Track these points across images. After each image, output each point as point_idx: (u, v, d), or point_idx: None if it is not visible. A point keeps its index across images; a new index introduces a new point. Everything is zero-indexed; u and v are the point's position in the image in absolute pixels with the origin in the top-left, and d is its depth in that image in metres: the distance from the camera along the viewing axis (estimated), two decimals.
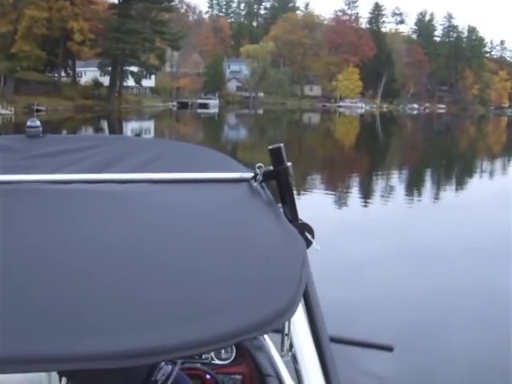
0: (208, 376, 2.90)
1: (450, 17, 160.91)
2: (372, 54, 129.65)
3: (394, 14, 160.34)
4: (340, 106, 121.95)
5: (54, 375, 2.89)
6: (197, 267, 1.49)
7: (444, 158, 39.11)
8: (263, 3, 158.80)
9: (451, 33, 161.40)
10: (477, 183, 27.15)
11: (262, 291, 1.43)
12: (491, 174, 31.66)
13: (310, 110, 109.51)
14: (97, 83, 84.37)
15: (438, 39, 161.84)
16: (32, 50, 66.15)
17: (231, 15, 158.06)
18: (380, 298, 9.93)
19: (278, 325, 1.40)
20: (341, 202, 20.34)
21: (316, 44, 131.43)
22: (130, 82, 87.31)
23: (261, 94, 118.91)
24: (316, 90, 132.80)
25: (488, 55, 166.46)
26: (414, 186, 25.60)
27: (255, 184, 2.04)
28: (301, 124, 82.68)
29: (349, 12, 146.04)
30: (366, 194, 22.55)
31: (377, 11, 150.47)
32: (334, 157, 38.16)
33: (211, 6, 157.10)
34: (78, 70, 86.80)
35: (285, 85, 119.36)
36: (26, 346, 1.15)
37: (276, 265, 1.55)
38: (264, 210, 1.91)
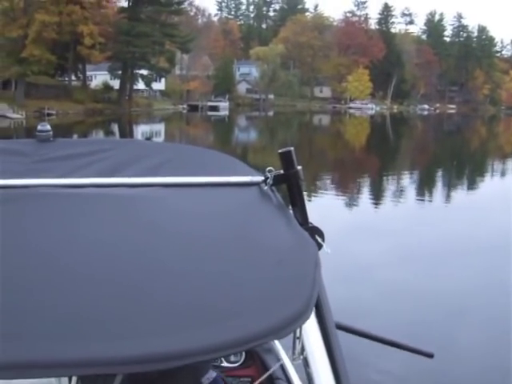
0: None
1: (459, 17, 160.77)
2: (382, 54, 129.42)
3: (404, 14, 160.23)
4: (350, 108, 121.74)
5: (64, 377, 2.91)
6: (210, 271, 1.49)
7: (455, 159, 38.99)
8: (272, 5, 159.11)
9: (461, 33, 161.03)
10: (488, 183, 27.07)
11: (277, 295, 1.42)
12: (503, 174, 31.58)
13: (320, 112, 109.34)
14: (107, 87, 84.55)
15: (447, 39, 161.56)
16: (42, 55, 66.39)
17: (240, 17, 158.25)
18: (391, 298, 9.93)
19: (294, 328, 1.40)
20: (351, 202, 20.31)
21: (325, 45, 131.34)
22: (140, 85, 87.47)
23: (271, 96, 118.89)
24: (326, 92, 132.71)
25: (498, 55, 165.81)
26: (425, 187, 25.55)
27: (265, 188, 2.03)
28: (311, 126, 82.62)
29: (358, 13, 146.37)
30: (377, 195, 22.52)
31: (386, 12, 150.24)
32: (345, 158, 38.11)
33: (220, 9, 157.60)
34: (88, 73, 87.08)
35: (295, 87, 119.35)
36: (41, 351, 1.14)
37: (289, 268, 1.54)
38: (275, 213, 1.91)
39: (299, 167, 2.00)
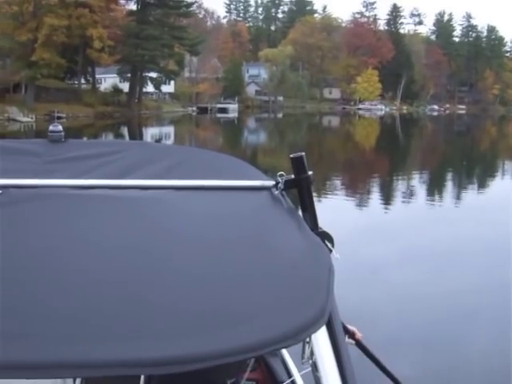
0: None
1: (468, 17, 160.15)
2: (391, 55, 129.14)
3: (413, 15, 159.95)
4: (360, 109, 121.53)
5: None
6: (222, 275, 1.48)
7: (464, 159, 38.87)
8: (281, 7, 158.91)
9: (470, 33, 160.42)
10: (499, 184, 26.94)
11: (291, 301, 1.42)
12: None
13: (330, 113, 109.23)
14: (116, 89, 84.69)
15: (457, 39, 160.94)
16: (52, 58, 66.59)
17: (249, 19, 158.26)
18: (400, 300, 9.90)
19: (311, 333, 1.40)
20: (362, 204, 20.28)
21: (334, 47, 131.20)
22: (150, 87, 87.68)
23: (280, 98, 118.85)
24: (335, 93, 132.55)
25: (508, 54, 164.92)
26: (435, 188, 25.46)
27: (276, 192, 2.03)
28: (321, 127, 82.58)
29: (367, 14, 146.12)
30: (387, 196, 22.48)
31: (395, 12, 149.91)
32: (355, 160, 38.06)
33: (229, 11, 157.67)
34: (97, 76, 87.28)
35: (304, 88, 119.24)
36: (49, 352, 1.15)
37: (303, 274, 1.55)
38: (285, 218, 1.90)
39: (310, 172, 1.98)
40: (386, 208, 19.62)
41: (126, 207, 1.88)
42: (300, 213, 2.01)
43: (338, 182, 25.86)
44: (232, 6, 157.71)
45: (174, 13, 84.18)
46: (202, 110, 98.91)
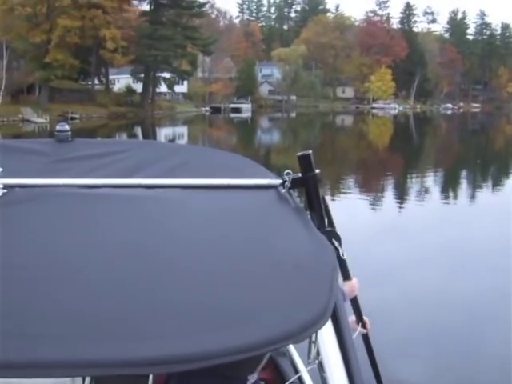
0: None
1: (482, 14, 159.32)
2: (404, 54, 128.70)
3: (426, 13, 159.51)
4: (373, 108, 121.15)
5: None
6: (228, 274, 1.49)
7: (479, 158, 38.69)
8: (293, 6, 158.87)
9: (484, 30, 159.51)
10: None
11: (294, 299, 1.42)
12: None
13: (343, 112, 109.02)
14: (130, 90, 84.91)
15: (470, 37, 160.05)
16: (65, 59, 66.91)
17: (262, 19, 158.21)
18: (412, 298, 9.88)
19: (313, 332, 1.41)
20: (375, 203, 20.23)
21: (347, 46, 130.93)
22: (163, 88, 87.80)
23: (293, 97, 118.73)
24: (348, 92, 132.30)
25: None
26: (448, 187, 25.39)
27: (283, 191, 2.01)
28: (334, 126, 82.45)
29: (380, 12, 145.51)
30: (400, 195, 22.43)
31: (408, 11, 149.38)
32: (369, 158, 37.95)
33: (242, 11, 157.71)
34: (110, 77, 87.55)
35: (317, 87, 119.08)
36: (56, 352, 1.15)
37: (307, 273, 1.54)
38: (292, 216, 1.88)
39: (317, 170, 1.97)
40: (399, 207, 19.57)
41: (132, 206, 1.88)
42: (308, 211, 2.00)
43: (351, 181, 25.83)
44: (244, 5, 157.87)
45: (187, 13, 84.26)
46: (216, 110, 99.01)
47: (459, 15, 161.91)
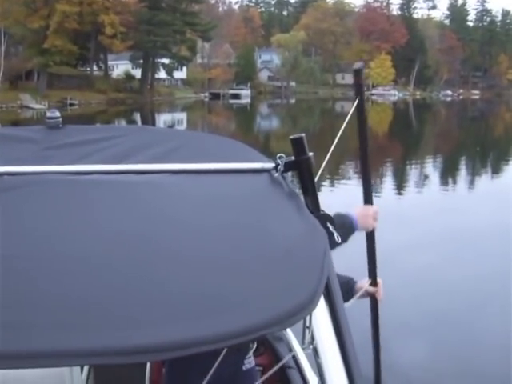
0: None
1: (483, 1, 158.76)
2: (404, 40, 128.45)
3: None
4: (373, 94, 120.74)
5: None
6: (217, 259, 1.48)
7: (478, 145, 38.69)
8: None
9: (484, 17, 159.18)
10: None
11: (283, 284, 1.41)
12: None
13: (343, 99, 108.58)
14: (129, 76, 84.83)
15: (471, 24, 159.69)
16: (64, 45, 66.79)
17: (261, 5, 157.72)
18: (413, 285, 9.89)
19: (300, 319, 1.38)
20: (374, 190, 20.22)
21: (347, 32, 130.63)
22: (162, 74, 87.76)
23: (292, 84, 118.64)
24: (348, 79, 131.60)
25: None
26: (448, 174, 25.40)
27: (276, 174, 1.98)
28: (333, 113, 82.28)
29: None
30: (400, 182, 22.44)
31: None
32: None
33: None
34: (109, 63, 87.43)
35: (316, 74, 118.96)
36: (53, 341, 1.14)
37: (297, 257, 1.53)
38: (285, 200, 1.87)
39: (311, 153, 1.95)
40: (398, 194, 19.59)
41: (122, 192, 1.86)
42: (301, 195, 1.99)
43: (350, 168, 25.79)
44: None
45: None
46: (215, 96, 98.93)
47: (459, 1, 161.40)
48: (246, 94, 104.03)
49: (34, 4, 66.51)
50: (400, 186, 21.44)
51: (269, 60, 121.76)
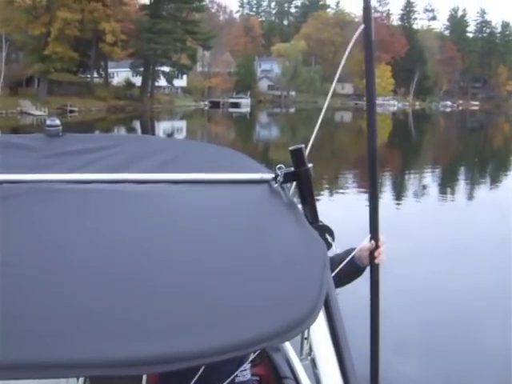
0: None
1: (482, 12, 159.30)
2: (404, 51, 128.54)
3: (426, 10, 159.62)
4: None
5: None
6: (217, 271, 1.47)
7: (477, 157, 38.68)
8: (294, 1, 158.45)
9: (484, 28, 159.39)
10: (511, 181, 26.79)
11: (283, 297, 1.40)
12: None
13: (342, 109, 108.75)
14: (129, 84, 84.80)
15: (470, 35, 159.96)
16: (65, 52, 66.80)
17: (262, 14, 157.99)
18: (411, 295, 9.86)
19: (300, 331, 1.38)
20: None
21: (347, 42, 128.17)
22: (162, 81, 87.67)
23: (292, 93, 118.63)
24: (348, 88, 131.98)
25: None
26: (447, 185, 25.37)
27: (275, 185, 1.99)
28: (333, 123, 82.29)
29: (380, 9, 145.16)
30: (399, 192, 22.42)
31: (408, 8, 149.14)
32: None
33: (242, 6, 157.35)
34: (110, 70, 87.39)
35: (316, 83, 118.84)
36: (52, 352, 1.14)
37: (297, 269, 1.53)
38: (284, 211, 1.87)
39: (310, 165, 1.95)
40: (397, 204, 19.55)
41: (123, 201, 1.86)
42: (300, 206, 1.98)
43: (349, 178, 25.78)
44: (245, 0, 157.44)
45: (187, 7, 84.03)
46: (214, 105, 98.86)
47: (459, 13, 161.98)
48: (245, 103, 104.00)
49: (35, 11, 66.49)
50: (399, 196, 21.41)
51: (269, 69, 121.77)
